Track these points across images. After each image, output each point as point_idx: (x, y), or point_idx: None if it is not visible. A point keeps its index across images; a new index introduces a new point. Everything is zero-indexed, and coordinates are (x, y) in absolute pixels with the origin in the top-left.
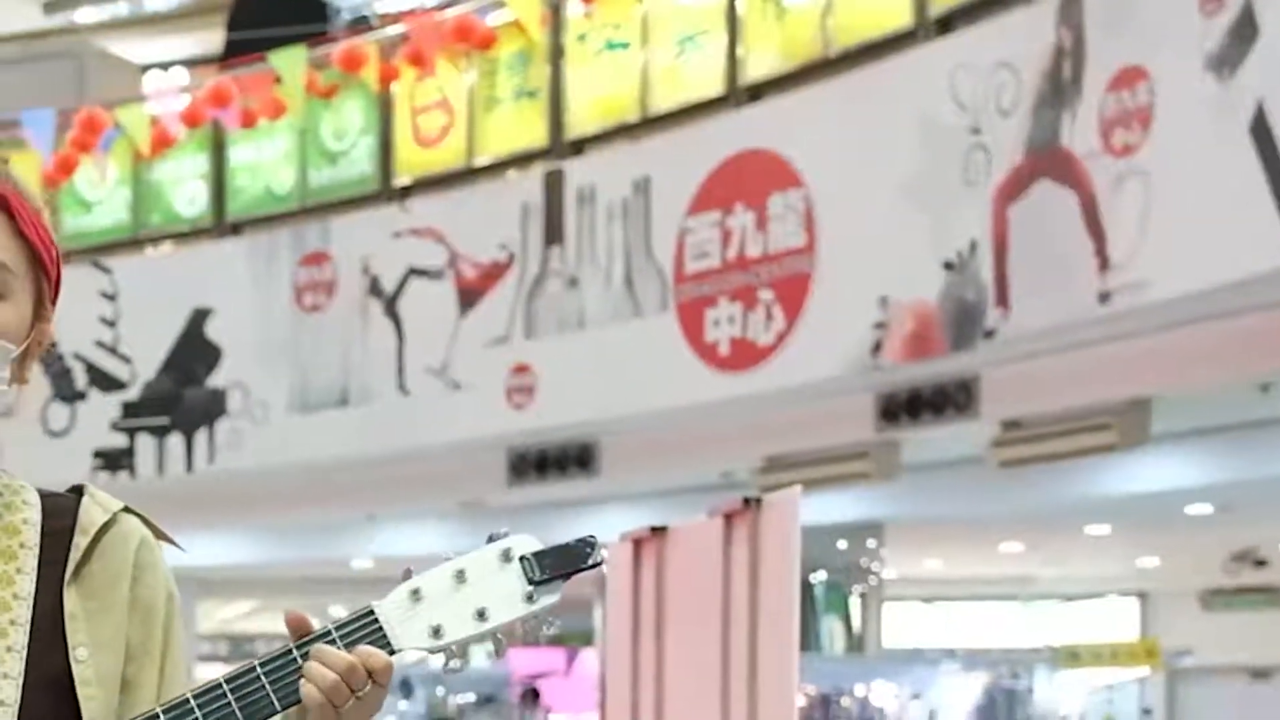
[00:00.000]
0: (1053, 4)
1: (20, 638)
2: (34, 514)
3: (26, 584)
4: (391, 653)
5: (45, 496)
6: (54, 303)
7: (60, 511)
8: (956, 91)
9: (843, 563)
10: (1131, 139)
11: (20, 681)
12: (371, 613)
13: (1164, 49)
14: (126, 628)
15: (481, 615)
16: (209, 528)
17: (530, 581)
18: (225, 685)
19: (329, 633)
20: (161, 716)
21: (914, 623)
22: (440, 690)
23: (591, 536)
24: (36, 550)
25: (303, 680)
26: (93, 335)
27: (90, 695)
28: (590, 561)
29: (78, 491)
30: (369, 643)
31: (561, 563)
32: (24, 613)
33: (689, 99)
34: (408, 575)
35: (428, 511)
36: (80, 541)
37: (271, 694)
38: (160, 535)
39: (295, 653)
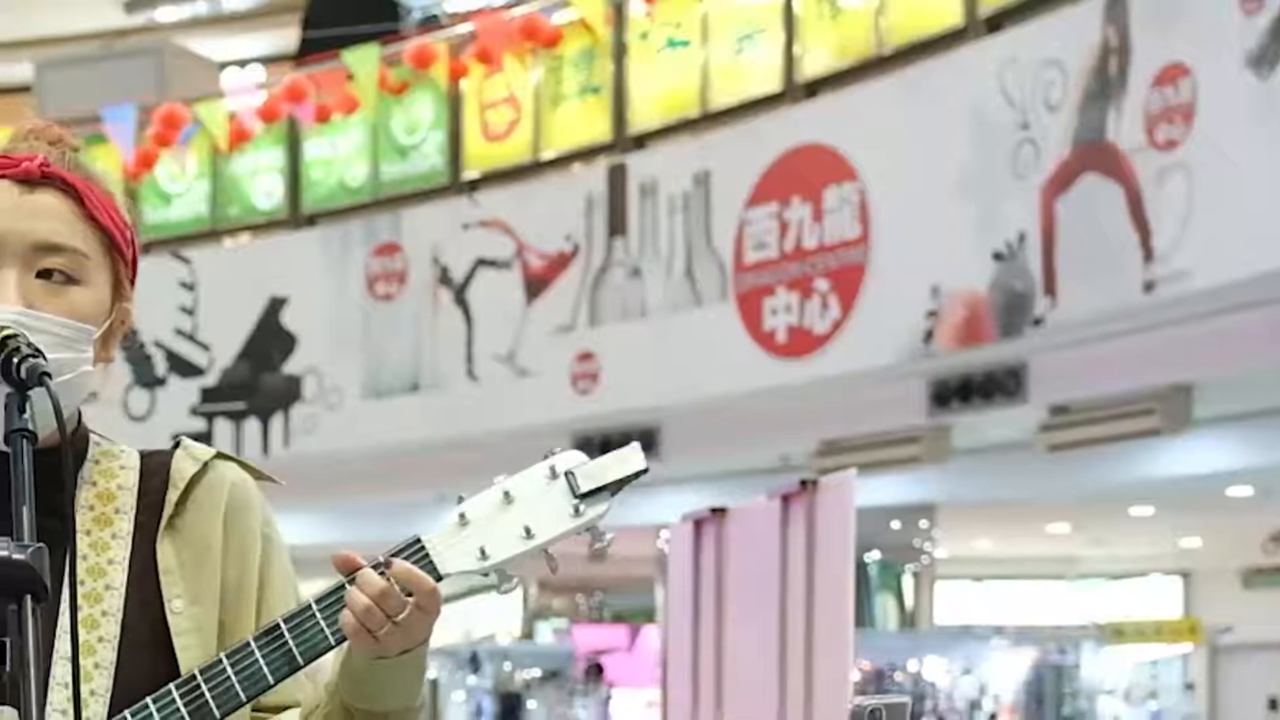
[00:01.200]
0: (1099, 3)
1: (115, 601)
2: (131, 476)
3: (121, 548)
4: (439, 578)
5: (145, 456)
6: (132, 283)
7: (157, 469)
8: (1006, 88)
9: (896, 543)
10: (1174, 134)
11: (116, 644)
12: (418, 541)
13: (1206, 47)
14: (222, 572)
15: (528, 533)
16: (284, 509)
17: (576, 495)
18: (283, 625)
19: (378, 564)
20: (225, 660)
21: (964, 600)
22: (507, 665)
23: (635, 443)
24: (132, 512)
25: (344, 607)
26: (172, 323)
27: (186, 645)
28: (635, 470)
29: (177, 446)
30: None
31: (608, 473)
32: (119, 576)
33: (747, 95)
34: (459, 501)
35: None
36: (171, 496)
37: (325, 628)
38: (257, 475)
39: (347, 587)
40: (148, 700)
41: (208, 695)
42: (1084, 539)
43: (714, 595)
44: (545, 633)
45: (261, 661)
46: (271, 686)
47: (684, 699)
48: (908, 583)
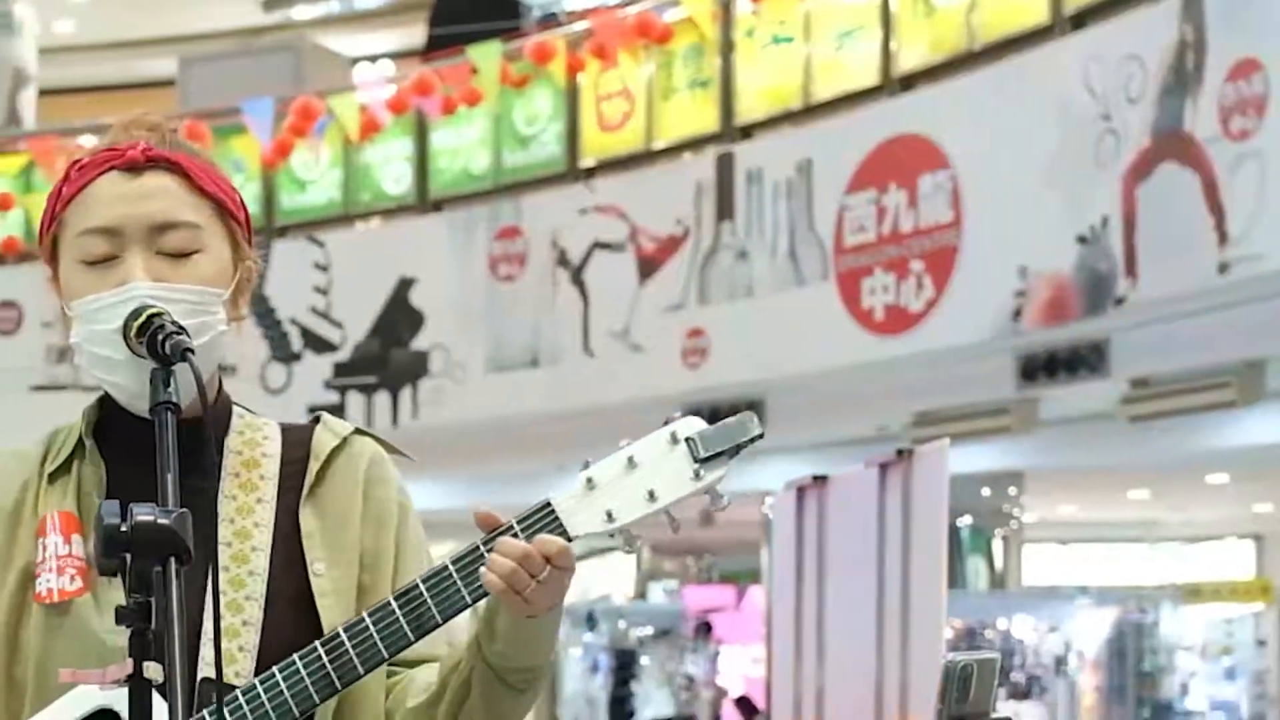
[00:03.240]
0: (1176, 2)
1: (261, 561)
2: (273, 446)
3: (266, 512)
4: (569, 539)
5: (286, 430)
6: (250, 241)
7: (298, 442)
8: (1089, 81)
9: (986, 508)
10: (1248, 124)
11: (262, 602)
12: (549, 504)
13: (1278, 43)
14: (360, 539)
15: (651, 496)
16: (412, 477)
17: (696, 460)
18: (421, 585)
19: (511, 526)
20: (367, 618)
21: (1050, 562)
22: (622, 623)
23: (751, 411)
24: (276, 480)
25: (484, 569)
26: (307, 302)
27: (328, 605)
28: (751, 435)
29: (317, 421)
30: (547, 532)
31: (725, 438)
32: (264, 538)
33: (847, 88)
34: (586, 466)
35: None
36: (313, 466)
37: (462, 588)
38: (391, 450)
39: (481, 548)
40: (294, 657)
41: (351, 652)
42: (1162, 505)
43: (815, 558)
44: (657, 593)
45: (402, 620)
46: (411, 644)
47: (787, 655)
48: (997, 546)
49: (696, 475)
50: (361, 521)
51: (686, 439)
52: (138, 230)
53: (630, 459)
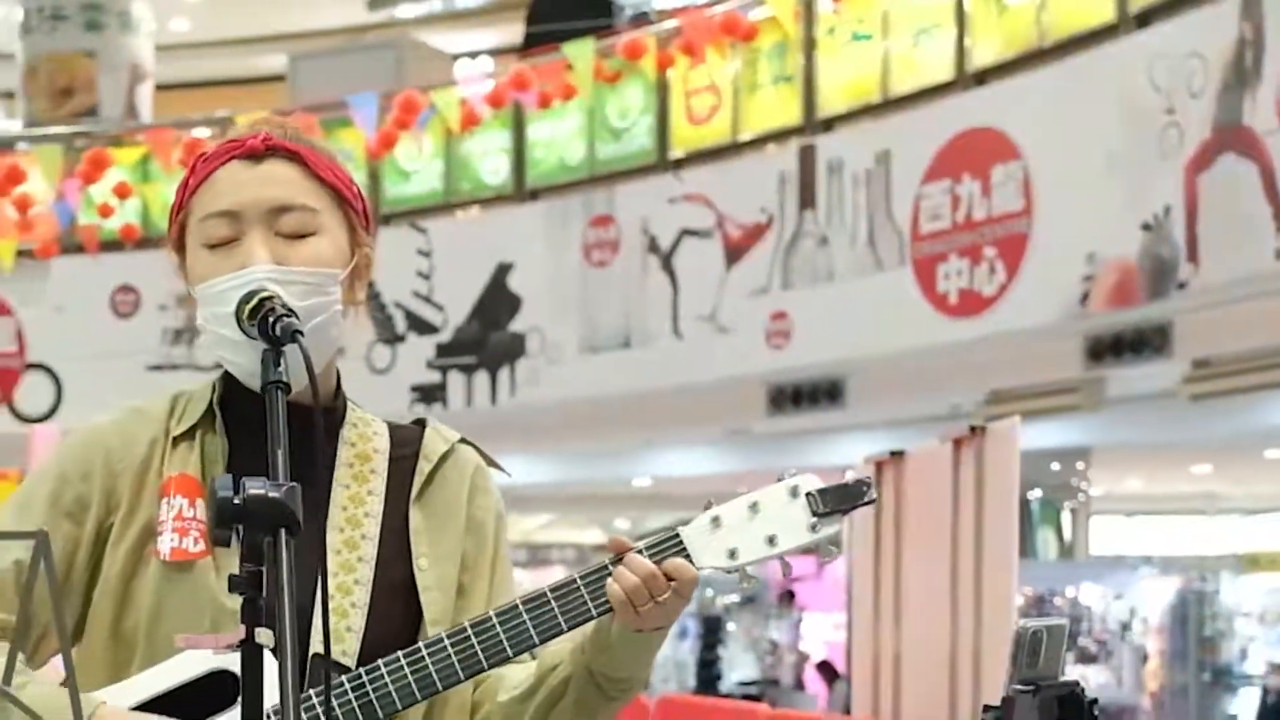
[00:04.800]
0: (1236, 2)
1: (371, 550)
2: (383, 442)
3: (376, 504)
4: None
5: (393, 428)
6: (368, 229)
7: (406, 441)
8: (1153, 77)
9: (1055, 482)
10: None
11: (370, 587)
12: (677, 535)
13: None
14: (463, 542)
15: (771, 541)
16: (509, 452)
17: (814, 514)
18: (550, 594)
19: (640, 550)
20: (494, 618)
21: (1116, 533)
22: (709, 591)
23: (868, 479)
24: (385, 475)
25: (610, 580)
26: (411, 287)
27: (432, 600)
28: (865, 499)
29: (420, 424)
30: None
31: (841, 499)
32: (374, 529)
33: (923, 83)
34: (709, 506)
35: (698, 438)
36: (424, 467)
37: (588, 600)
38: (491, 463)
39: (610, 567)
40: (420, 645)
41: (477, 647)
42: (1223, 479)
43: (893, 529)
44: None
45: (529, 623)
46: (535, 645)
47: (867, 621)
48: (1066, 518)
49: (813, 528)
50: (465, 527)
51: (806, 494)
52: (257, 212)
53: (754, 505)
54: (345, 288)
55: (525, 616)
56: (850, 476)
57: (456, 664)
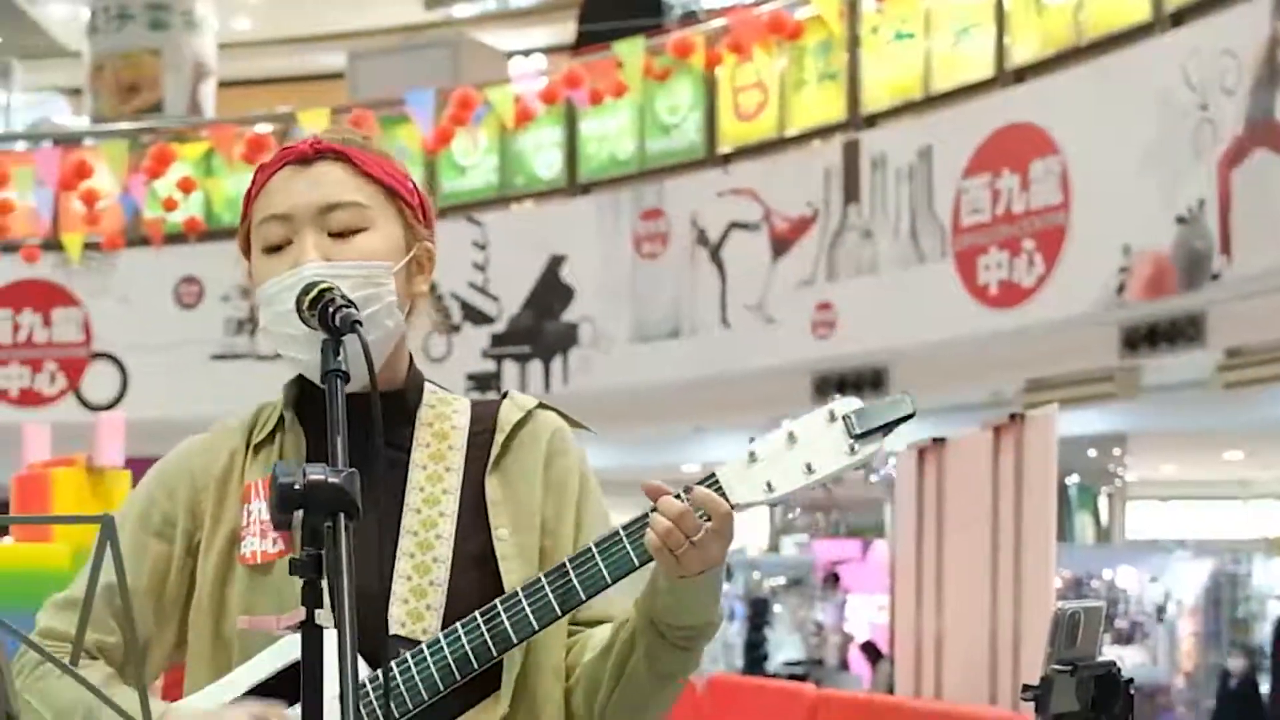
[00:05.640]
0: (1268, 1)
1: (448, 526)
2: (462, 419)
3: (454, 479)
4: (731, 507)
5: (476, 405)
6: (426, 224)
7: (485, 416)
8: (1187, 74)
9: (1092, 468)
10: None
11: (449, 563)
12: (713, 475)
13: None
14: (542, 506)
15: (809, 469)
16: None
17: (851, 436)
18: (594, 548)
19: (678, 495)
20: (543, 579)
21: (1151, 518)
22: (756, 574)
23: (906, 392)
24: (463, 450)
25: (647, 526)
26: (466, 278)
27: (510, 569)
28: (904, 414)
29: (503, 397)
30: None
31: (879, 416)
32: (451, 505)
33: (964, 80)
34: (751, 442)
35: (745, 425)
36: (498, 438)
37: (630, 550)
38: (574, 424)
39: (649, 515)
40: (475, 614)
41: (527, 609)
42: (1255, 464)
43: (935, 513)
44: (789, 546)
45: (575, 580)
46: (584, 602)
47: (909, 603)
48: (1103, 503)
49: (851, 450)
50: (543, 490)
51: (844, 416)
52: (307, 213)
53: (791, 434)
54: (402, 280)
55: (572, 574)
56: (890, 397)
57: (509, 628)
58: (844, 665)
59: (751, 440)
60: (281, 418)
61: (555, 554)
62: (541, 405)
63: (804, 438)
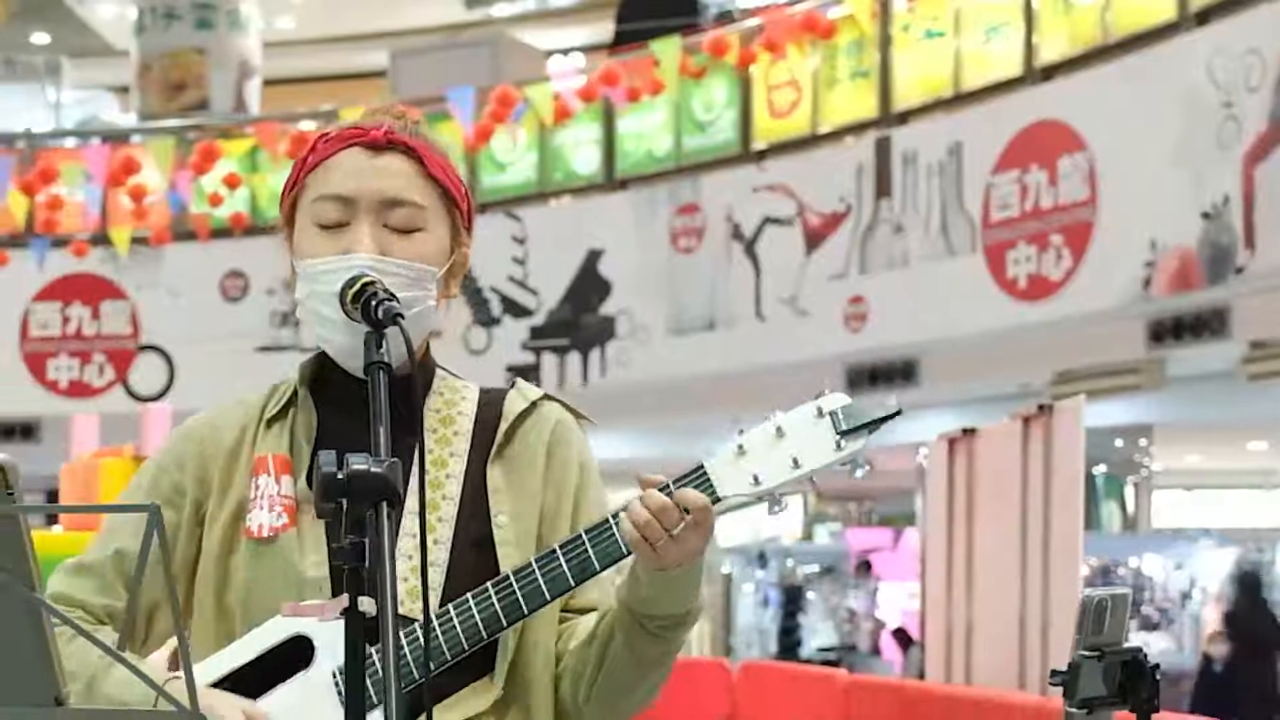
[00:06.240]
0: None
1: (450, 510)
2: (470, 407)
3: (457, 465)
4: (716, 500)
5: (484, 392)
6: (468, 230)
7: (492, 404)
8: (1213, 72)
9: (1119, 458)
10: None
11: (449, 546)
12: (701, 467)
13: None
14: (542, 495)
15: (795, 463)
16: (601, 430)
17: (838, 432)
18: (584, 535)
19: (666, 485)
20: (534, 564)
21: (1177, 507)
22: (790, 562)
23: (893, 401)
24: (469, 436)
25: (623, 516)
26: (506, 272)
27: (508, 554)
28: (889, 413)
29: (513, 385)
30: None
31: (866, 414)
32: (454, 489)
33: (993, 78)
34: (739, 434)
35: None
36: (502, 426)
37: (619, 539)
38: (577, 415)
39: (628, 505)
40: (468, 595)
41: (518, 592)
42: (1279, 455)
43: (965, 502)
44: (822, 534)
45: (565, 566)
46: (572, 588)
47: (940, 590)
48: (1129, 492)
49: (838, 446)
50: (544, 479)
51: (831, 413)
52: (369, 202)
53: (779, 429)
54: (441, 284)
55: (561, 559)
56: (880, 399)
57: (499, 610)
58: (876, 651)
59: (740, 433)
60: (295, 394)
61: (553, 541)
62: (547, 397)
63: (791, 432)
